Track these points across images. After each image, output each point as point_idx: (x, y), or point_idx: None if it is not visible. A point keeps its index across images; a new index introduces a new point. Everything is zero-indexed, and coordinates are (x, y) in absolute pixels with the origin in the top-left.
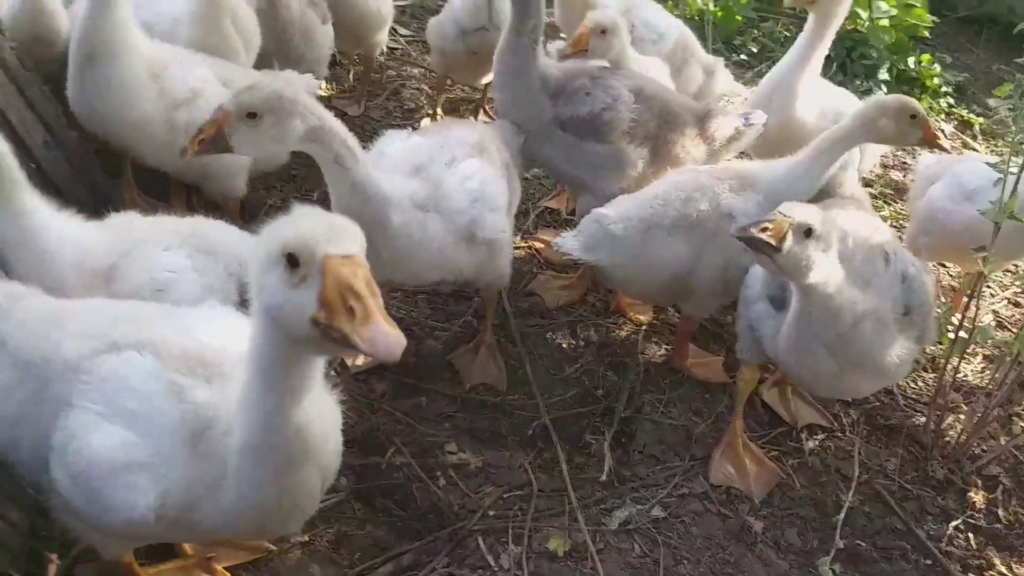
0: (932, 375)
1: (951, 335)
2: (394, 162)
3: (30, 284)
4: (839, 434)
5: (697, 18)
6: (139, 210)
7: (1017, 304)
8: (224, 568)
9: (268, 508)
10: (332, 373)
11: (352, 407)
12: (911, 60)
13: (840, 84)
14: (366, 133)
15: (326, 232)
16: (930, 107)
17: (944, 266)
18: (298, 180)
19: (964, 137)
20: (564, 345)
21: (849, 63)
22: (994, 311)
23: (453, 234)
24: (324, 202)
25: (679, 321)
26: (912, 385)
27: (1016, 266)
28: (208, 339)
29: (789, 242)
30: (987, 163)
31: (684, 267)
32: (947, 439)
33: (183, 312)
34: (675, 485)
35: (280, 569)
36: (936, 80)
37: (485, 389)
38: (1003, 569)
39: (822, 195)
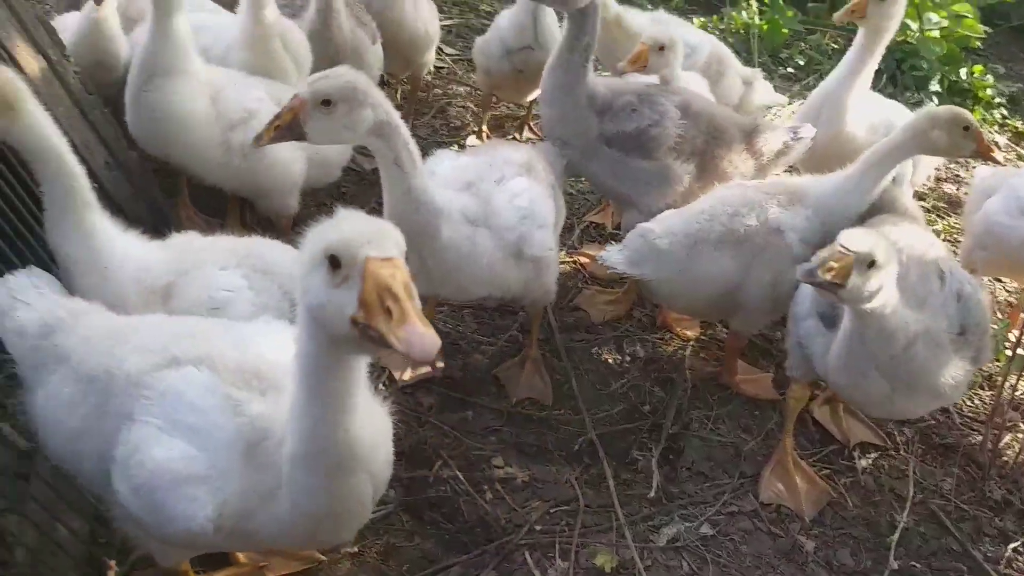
0: (989, 393)
1: (1008, 352)
2: (444, 180)
3: (92, 301)
4: (893, 453)
5: (743, 31)
6: (195, 228)
7: None
8: None
9: (320, 515)
10: (380, 387)
11: (400, 420)
12: (963, 71)
13: (890, 96)
14: None
15: (367, 235)
16: (983, 119)
17: (1000, 281)
18: (347, 198)
19: (1018, 149)
20: (610, 360)
21: (899, 75)
22: None
23: (502, 250)
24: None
25: (727, 337)
26: (968, 403)
27: None
28: (263, 352)
29: (854, 278)
30: None
31: (731, 282)
32: (1005, 458)
33: (240, 327)
34: (724, 503)
35: None
36: (989, 91)
37: (531, 403)
38: None
39: (874, 210)
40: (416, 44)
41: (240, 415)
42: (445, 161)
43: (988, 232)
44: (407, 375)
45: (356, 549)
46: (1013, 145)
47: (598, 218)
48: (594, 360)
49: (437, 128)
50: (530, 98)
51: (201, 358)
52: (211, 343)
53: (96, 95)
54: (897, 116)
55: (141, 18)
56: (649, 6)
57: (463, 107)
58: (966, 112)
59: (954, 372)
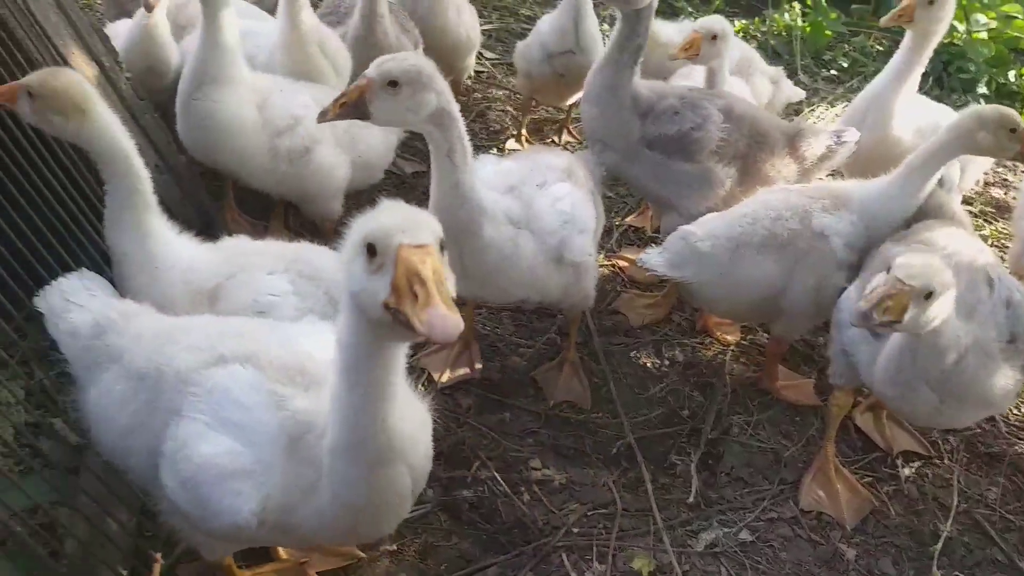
0: None
1: None
2: (487, 184)
3: (142, 301)
4: (937, 461)
5: (784, 34)
6: (241, 231)
7: None
8: (317, 574)
9: (360, 506)
10: (420, 388)
11: (438, 421)
12: (1011, 73)
13: (937, 99)
14: None
15: (402, 223)
16: None
17: None
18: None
19: None
20: (648, 364)
21: (946, 77)
22: None
23: (543, 253)
24: None
25: (768, 342)
26: (1015, 412)
27: None
28: (308, 350)
29: (911, 311)
30: None
31: (774, 287)
32: None
33: (286, 327)
34: (763, 509)
35: None
36: None
37: (569, 406)
38: None
39: (920, 215)
40: (459, 50)
41: (283, 410)
42: (488, 165)
43: None
44: (446, 377)
45: (395, 547)
46: None
47: (637, 221)
48: (632, 364)
49: (477, 132)
50: (570, 102)
51: (247, 356)
52: (257, 342)
53: (147, 100)
54: (944, 119)
55: (190, 24)
56: (691, 10)
57: (503, 111)
58: (1014, 112)
59: (1004, 382)
